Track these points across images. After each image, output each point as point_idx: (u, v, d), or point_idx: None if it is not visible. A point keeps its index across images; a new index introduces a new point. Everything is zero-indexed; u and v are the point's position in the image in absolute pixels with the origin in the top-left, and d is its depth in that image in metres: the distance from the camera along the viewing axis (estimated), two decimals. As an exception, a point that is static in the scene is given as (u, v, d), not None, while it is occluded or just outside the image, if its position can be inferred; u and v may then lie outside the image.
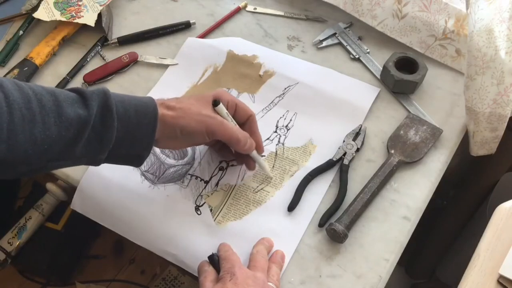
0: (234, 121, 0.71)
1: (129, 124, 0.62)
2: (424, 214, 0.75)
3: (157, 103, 0.65)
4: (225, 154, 0.78)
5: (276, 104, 0.84)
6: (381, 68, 0.84)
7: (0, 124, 0.54)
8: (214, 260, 0.68)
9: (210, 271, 0.67)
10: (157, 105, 0.64)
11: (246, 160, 0.75)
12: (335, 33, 0.90)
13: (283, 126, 0.82)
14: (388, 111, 0.82)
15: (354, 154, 0.77)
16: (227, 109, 0.69)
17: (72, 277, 1.38)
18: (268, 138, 0.81)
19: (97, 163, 0.64)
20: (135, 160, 0.66)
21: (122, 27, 0.94)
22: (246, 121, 0.72)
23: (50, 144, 0.57)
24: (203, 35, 0.92)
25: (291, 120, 0.82)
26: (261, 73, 0.87)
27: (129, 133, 0.62)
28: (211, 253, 0.69)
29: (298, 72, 0.86)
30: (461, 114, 0.81)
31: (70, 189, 0.87)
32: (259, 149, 0.74)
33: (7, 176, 0.59)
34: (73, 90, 0.62)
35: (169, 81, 0.87)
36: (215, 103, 0.68)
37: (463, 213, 1.08)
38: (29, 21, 0.94)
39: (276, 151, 0.79)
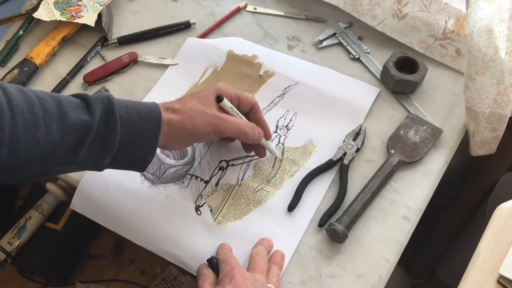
0: (239, 113, 0.71)
1: (133, 129, 0.62)
2: (424, 214, 0.75)
3: (161, 107, 0.65)
4: (246, 148, 0.78)
5: (276, 104, 0.84)
6: (381, 68, 0.84)
7: (2, 128, 0.54)
8: (213, 263, 0.68)
9: (209, 274, 0.67)
10: (162, 110, 0.64)
11: (255, 148, 0.76)
12: (335, 33, 0.90)
13: (283, 126, 0.82)
14: (388, 111, 0.82)
15: (354, 154, 0.77)
16: (230, 103, 0.70)
17: (72, 277, 1.38)
18: (268, 138, 0.81)
19: (100, 168, 0.64)
20: (138, 165, 0.66)
21: (122, 27, 0.94)
22: (250, 110, 0.73)
23: (53, 148, 0.57)
24: (203, 35, 0.92)
25: (291, 120, 0.82)
26: (261, 73, 0.86)
27: (133, 138, 0.62)
28: (210, 256, 0.69)
29: (298, 72, 0.86)
30: (461, 114, 0.81)
31: (70, 189, 0.87)
32: (267, 135, 0.75)
33: (10, 180, 0.59)
34: (76, 96, 0.62)
35: (169, 81, 0.87)
36: (219, 99, 0.69)
37: (463, 213, 1.08)
38: (29, 21, 0.94)
39: (276, 151, 0.79)
